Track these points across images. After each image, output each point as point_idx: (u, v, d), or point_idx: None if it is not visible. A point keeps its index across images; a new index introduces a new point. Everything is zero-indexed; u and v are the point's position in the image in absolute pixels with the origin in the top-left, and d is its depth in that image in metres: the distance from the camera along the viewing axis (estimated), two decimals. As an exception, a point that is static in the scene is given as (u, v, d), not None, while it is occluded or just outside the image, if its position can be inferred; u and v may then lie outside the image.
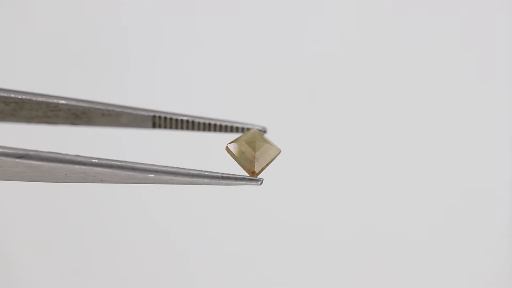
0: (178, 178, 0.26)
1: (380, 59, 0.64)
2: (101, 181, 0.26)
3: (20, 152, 0.25)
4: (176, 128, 0.33)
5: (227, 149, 0.29)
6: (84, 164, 0.25)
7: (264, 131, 0.33)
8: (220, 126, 0.33)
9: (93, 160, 0.25)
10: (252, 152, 0.28)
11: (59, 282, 0.61)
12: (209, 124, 0.33)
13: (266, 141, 0.29)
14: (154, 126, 0.33)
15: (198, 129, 0.33)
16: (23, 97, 0.31)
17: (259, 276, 0.63)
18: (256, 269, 0.63)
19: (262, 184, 0.27)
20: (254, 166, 0.28)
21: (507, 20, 0.64)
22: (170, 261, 0.63)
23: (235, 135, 0.33)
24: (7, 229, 0.60)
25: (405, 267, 0.64)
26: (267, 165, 0.28)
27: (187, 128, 0.33)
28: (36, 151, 0.25)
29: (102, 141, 0.53)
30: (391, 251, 0.64)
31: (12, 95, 0.31)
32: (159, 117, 0.33)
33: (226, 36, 0.63)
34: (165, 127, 0.33)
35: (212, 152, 0.37)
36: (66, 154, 0.25)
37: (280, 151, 0.29)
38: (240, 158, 0.28)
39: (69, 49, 0.61)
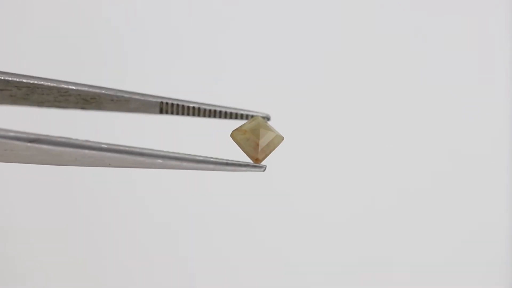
0: (185, 164, 0.28)
1: (381, 57, 0.64)
2: (109, 165, 0.27)
3: (32, 136, 0.26)
4: (183, 114, 0.34)
5: (232, 135, 0.30)
6: (94, 149, 0.26)
7: (268, 118, 0.34)
8: (225, 112, 0.34)
9: (103, 146, 0.26)
10: (256, 140, 0.29)
11: (58, 279, 0.62)
12: (215, 110, 0.34)
13: (269, 128, 0.30)
14: (161, 112, 0.34)
15: (204, 115, 0.34)
16: (35, 82, 0.32)
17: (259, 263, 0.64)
18: (257, 256, 0.64)
19: (265, 171, 0.28)
20: (258, 153, 0.29)
21: (507, 20, 0.64)
22: (171, 257, 0.64)
23: (240, 122, 0.34)
24: (9, 225, 0.61)
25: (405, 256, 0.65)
26: (270, 151, 0.29)
27: (193, 115, 0.34)
28: (47, 135, 0.26)
29: (111, 125, 0.54)
30: (392, 240, 0.65)
31: (24, 80, 0.32)
32: (166, 103, 0.34)
33: (233, 24, 0.64)
34: (172, 113, 0.34)
35: (218, 138, 0.38)
36: (76, 139, 0.26)
37: (283, 139, 0.30)
38: (244, 145, 0.29)
39: (78, 37, 0.62)
